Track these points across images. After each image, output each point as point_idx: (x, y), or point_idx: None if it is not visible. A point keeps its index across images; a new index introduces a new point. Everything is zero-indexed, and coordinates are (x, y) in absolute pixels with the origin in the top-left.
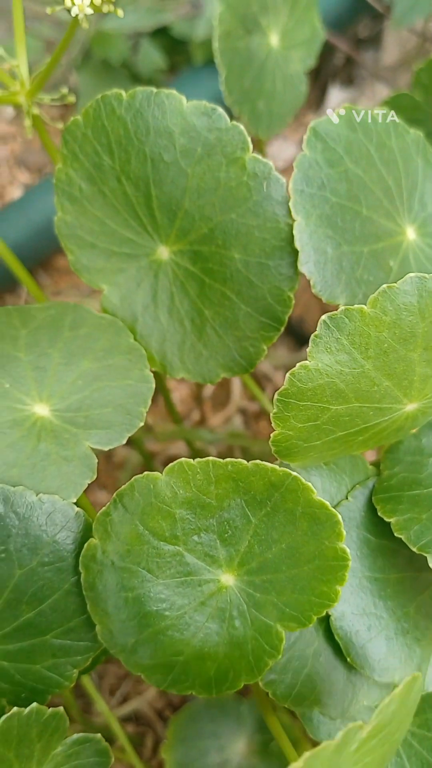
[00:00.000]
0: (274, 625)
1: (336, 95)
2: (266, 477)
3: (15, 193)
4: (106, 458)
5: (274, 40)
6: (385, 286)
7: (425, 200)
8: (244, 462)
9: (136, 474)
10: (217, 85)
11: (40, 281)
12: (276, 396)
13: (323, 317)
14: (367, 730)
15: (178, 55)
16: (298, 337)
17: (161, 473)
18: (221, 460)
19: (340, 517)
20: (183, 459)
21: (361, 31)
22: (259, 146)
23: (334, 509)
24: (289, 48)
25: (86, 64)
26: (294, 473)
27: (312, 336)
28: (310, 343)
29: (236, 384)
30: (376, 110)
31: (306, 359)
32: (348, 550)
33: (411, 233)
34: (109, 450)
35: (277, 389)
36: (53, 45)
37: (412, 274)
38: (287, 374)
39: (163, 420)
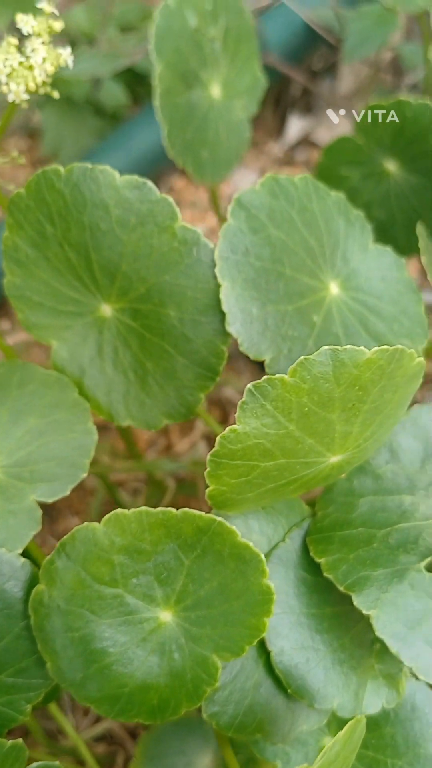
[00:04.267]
0: (210, 656)
1: (295, 124)
2: (194, 523)
3: None
4: (78, 486)
5: (215, 91)
6: (302, 357)
7: (347, 257)
8: (174, 510)
9: (105, 501)
10: None
11: (10, 312)
12: (208, 456)
13: (248, 386)
14: None
15: (141, 87)
16: (261, 363)
17: (99, 523)
18: (153, 509)
19: (263, 556)
20: (118, 510)
21: (316, 62)
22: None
23: (257, 549)
24: (231, 98)
25: (49, 101)
26: (219, 519)
27: (239, 402)
28: (237, 410)
29: (201, 411)
30: (296, 177)
31: None
32: (272, 586)
33: (334, 288)
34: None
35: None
36: None
37: (325, 347)
38: (218, 437)
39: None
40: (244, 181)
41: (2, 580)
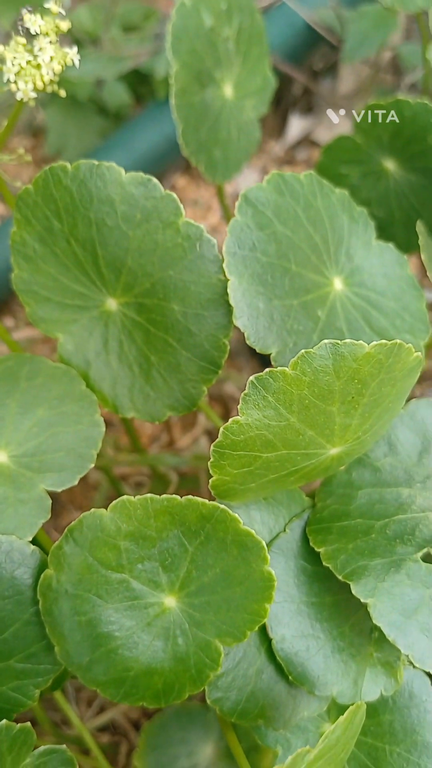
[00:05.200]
0: (213, 641)
1: (296, 123)
2: (198, 510)
3: None
4: (81, 480)
5: (228, 91)
6: (303, 351)
7: (351, 253)
8: (178, 498)
9: (109, 495)
10: None
11: (14, 309)
12: (212, 447)
13: (251, 378)
14: (313, 754)
15: (143, 87)
16: (261, 359)
17: (106, 510)
18: (158, 496)
19: (264, 543)
20: (125, 497)
21: (317, 62)
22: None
23: (258, 537)
24: (242, 97)
25: (53, 100)
26: (222, 506)
27: (242, 394)
28: (240, 401)
29: (203, 406)
30: (302, 174)
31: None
32: (273, 573)
33: (338, 284)
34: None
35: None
36: None
37: (326, 341)
38: (221, 428)
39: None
40: (246, 180)
41: (12, 566)
